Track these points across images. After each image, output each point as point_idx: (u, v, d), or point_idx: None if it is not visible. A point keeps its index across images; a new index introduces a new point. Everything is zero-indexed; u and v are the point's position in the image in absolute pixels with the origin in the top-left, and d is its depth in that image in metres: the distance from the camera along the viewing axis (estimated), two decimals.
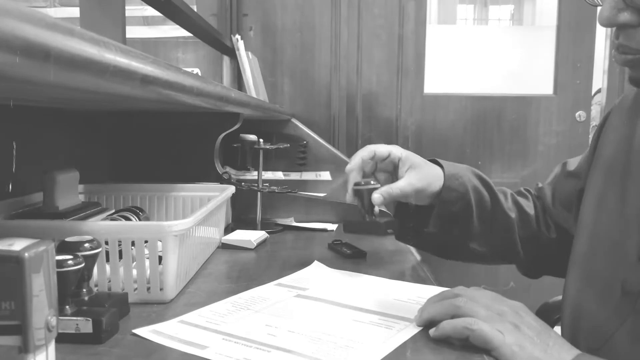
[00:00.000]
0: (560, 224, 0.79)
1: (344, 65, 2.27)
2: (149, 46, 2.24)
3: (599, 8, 0.53)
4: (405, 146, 2.35)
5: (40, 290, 0.39)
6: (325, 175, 1.97)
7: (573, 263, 0.69)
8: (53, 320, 0.40)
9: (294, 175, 1.98)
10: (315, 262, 0.77)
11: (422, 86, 2.27)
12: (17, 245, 0.38)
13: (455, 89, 2.31)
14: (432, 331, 0.51)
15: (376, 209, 0.67)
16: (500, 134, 2.26)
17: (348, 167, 0.70)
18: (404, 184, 0.68)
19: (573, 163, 0.79)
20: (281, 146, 0.98)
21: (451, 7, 2.84)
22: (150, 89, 0.47)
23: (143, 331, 0.53)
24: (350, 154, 2.42)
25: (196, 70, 0.77)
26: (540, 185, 0.83)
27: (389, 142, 2.36)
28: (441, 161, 0.75)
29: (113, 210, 0.78)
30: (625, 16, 0.50)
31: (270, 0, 2.26)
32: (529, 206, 0.79)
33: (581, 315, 0.63)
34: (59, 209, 0.70)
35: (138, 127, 1.04)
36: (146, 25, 2.27)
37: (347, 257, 0.83)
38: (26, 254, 0.37)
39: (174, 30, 1.85)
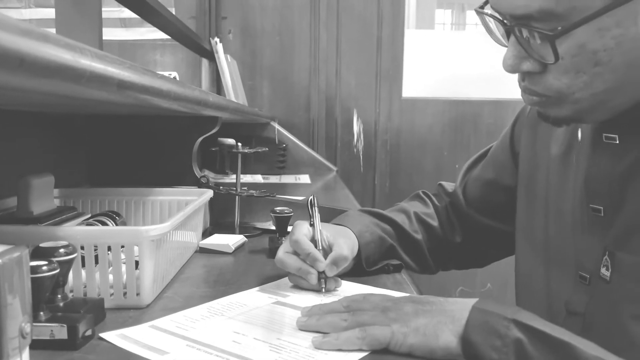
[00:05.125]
0: (472, 225, 0.83)
1: (323, 69, 2.28)
2: (126, 49, 2.22)
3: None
4: (384, 149, 2.38)
5: (14, 298, 0.38)
6: (305, 179, 1.97)
7: (518, 282, 0.72)
8: (27, 327, 0.39)
9: (273, 179, 1.98)
10: None
11: (400, 90, 2.29)
12: None
13: (434, 93, 2.33)
14: (317, 342, 0.51)
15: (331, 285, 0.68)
16: (477, 137, 2.30)
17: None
18: (345, 251, 0.68)
19: (488, 169, 0.82)
20: (259, 150, 0.99)
21: (429, 11, 2.88)
22: (127, 94, 0.47)
23: (110, 335, 0.53)
24: (329, 157, 2.43)
25: (174, 74, 0.77)
26: (446, 187, 0.87)
27: (368, 145, 2.37)
28: (342, 222, 0.77)
29: (89, 215, 0.77)
30: (528, 65, 0.53)
31: (249, 4, 2.26)
32: (431, 216, 0.83)
33: None
34: (33, 213, 0.69)
35: (115, 130, 1.04)
36: (123, 27, 2.25)
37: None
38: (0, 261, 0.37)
39: (152, 33, 1.84)
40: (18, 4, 2.26)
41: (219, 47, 1.84)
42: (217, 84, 2.20)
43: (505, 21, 0.53)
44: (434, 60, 2.35)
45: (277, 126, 2.16)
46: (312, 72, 2.28)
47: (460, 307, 0.51)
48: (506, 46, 0.55)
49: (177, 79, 0.80)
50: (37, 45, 0.31)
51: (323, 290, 0.66)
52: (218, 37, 1.89)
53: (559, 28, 0.48)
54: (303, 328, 0.55)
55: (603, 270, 0.57)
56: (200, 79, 2.26)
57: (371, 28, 2.27)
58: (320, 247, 0.68)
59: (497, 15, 0.54)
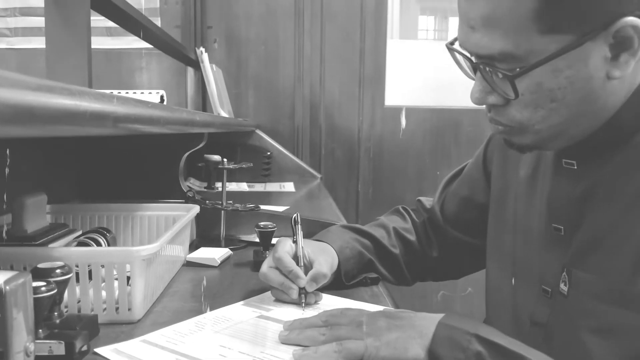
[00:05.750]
0: (448, 240, 0.87)
1: (308, 77, 2.32)
2: (113, 57, 2.24)
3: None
4: (367, 156, 2.42)
5: (19, 318, 0.42)
6: (289, 187, 2.01)
7: (488, 293, 0.78)
8: (31, 346, 0.43)
9: (258, 187, 2.01)
10: None
11: (382, 98, 2.34)
12: None
13: (415, 101, 2.39)
14: (297, 355, 0.55)
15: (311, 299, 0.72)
16: (457, 144, 2.36)
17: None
18: (324, 269, 0.72)
19: (463, 186, 0.87)
20: (244, 165, 1.03)
21: (413, 22, 2.94)
22: (121, 127, 0.51)
23: (105, 350, 0.57)
24: (314, 165, 2.46)
25: (161, 92, 0.80)
26: (425, 202, 0.92)
27: (351, 152, 2.41)
28: (322, 237, 0.81)
29: (80, 232, 0.81)
30: (493, 98, 0.58)
31: (234, 13, 2.30)
32: (409, 231, 0.88)
33: None
34: (27, 232, 0.72)
35: (103, 146, 1.07)
36: (109, 36, 2.27)
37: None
38: (7, 287, 0.40)
39: (138, 42, 1.86)
40: (3, 12, 2.27)
41: (205, 57, 1.86)
42: (203, 92, 2.23)
43: (472, 58, 0.58)
44: (416, 69, 2.41)
45: (262, 134, 2.20)
46: (296, 80, 2.32)
47: (428, 323, 0.55)
48: (474, 79, 0.60)
49: (165, 97, 0.83)
50: (46, 97, 0.35)
51: (303, 304, 0.70)
52: (203, 47, 1.92)
53: (518, 69, 0.53)
54: (284, 342, 0.59)
55: (562, 285, 0.61)
56: (185, 88, 2.29)
57: (354, 38, 2.32)
58: (302, 264, 0.72)
59: (465, 52, 0.59)
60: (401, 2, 3.38)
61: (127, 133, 0.59)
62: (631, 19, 0.51)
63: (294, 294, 0.70)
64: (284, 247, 0.73)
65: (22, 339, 0.42)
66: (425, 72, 2.43)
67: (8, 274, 0.42)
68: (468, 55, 0.58)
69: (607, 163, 0.59)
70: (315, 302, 0.72)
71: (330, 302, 0.73)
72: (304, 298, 0.70)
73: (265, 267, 0.73)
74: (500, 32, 0.53)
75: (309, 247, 0.75)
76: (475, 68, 0.58)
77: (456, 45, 0.60)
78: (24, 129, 0.34)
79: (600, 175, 0.59)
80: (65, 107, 0.39)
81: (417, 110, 2.35)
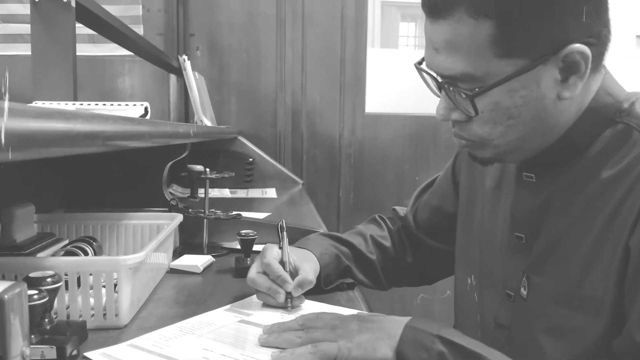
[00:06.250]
0: (421, 246, 0.92)
1: (289, 84, 2.36)
2: (96, 64, 2.25)
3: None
4: (348, 162, 2.46)
5: (17, 325, 0.45)
6: (271, 193, 2.04)
7: (456, 297, 0.83)
8: (27, 350, 0.46)
9: (241, 193, 2.04)
10: None
11: (363, 106, 2.39)
12: None
13: (395, 108, 2.44)
14: (275, 357, 0.59)
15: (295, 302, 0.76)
16: (436, 150, 2.42)
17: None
18: (310, 275, 0.77)
19: (434, 196, 0.92)
20: (226, 175, 1.06)
21: (394, 26, 3.01)
22: (110, 145, 0.54)
23: (94, 354, 0.60)
24: (295, 171, 2.49)
25: (145, 104, 0.82)
26: (399, 211, 0.96)
27: (333, 158, 2.45)
28: (303, 244, 0.85)
29: (67, 241, 0.84)
30: (456, 115, 0.63)
31: (216, 21, 2.33)
32: (385, 238, 0.92)
33: None
34: (16, 241, 0.75)
35: (87, 155, 1.09)
36: (92, 43, 2.28)
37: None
38: (6, 296, 0.43)
39: (120, 49, 1.88)
40: None
41: (187, 65, 1.89)
42: (185, 99, 2.25)
43: (437, 78, 0.63)
44: (397, 77, 2.46)
45: (244, 140, 2.23)
46: (278, 87, 2.36)
47: (396, 325, 0.59)
48: (439, 97, 0.65)
49: (149, 109, 0.86)
50: (49, 123, 0.39)
51: (289, 307, 0.74)
52: (186, 54, 1.95)
53: (477, 89, 0.58)
54: (264, 344, 0.62)
55: (522, 289, 0.66)
56: (168, 94, 2.31)
57: (335, 46, 2.37)
58: (288, 270, 0.76)
59: (431, 72, 0.63)
60: (382, 9, 3.44)
61: (115, 149, 0.62)
62: (578, 46, 0.56)
63: (281, 298, 0.74)
64: (272, 253, 0.77)
65: (18, 344, 0.45)
66: (405, 79, 2.48)
67: (6, 284, 0.45)
68: (434, 75, 0.63)
69: (562, 176, 0.64)
70: (299, 305, 0.76)
71: (311, 307, 0.77)
72: (290, 302, 0.74)
73: (253, 272, 0.77)
74: (461, 55, 0.58)
75: (293, 254, 0.79)
76: (440, 87, 0.63)
77: (423, 65, 0.65)
78: (25, 154, 0.37)
79: (556, 187, 0.64)
80: (62, 129, 0.42)
81: (396, 117, 2.41)
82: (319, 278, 0.81)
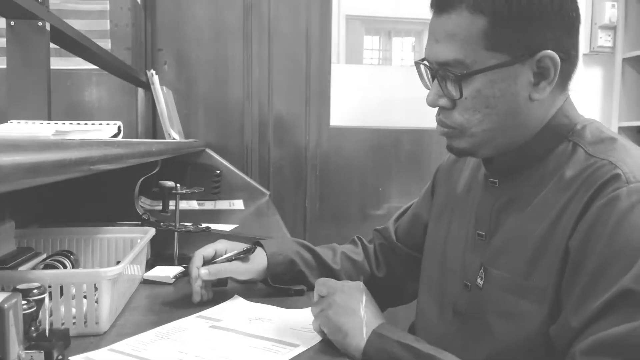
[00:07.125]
0: (397, 257, 1.00)
1: (256, 97, 2.42)
2: (62, 78, 2.26)
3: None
4: (313, 173, 2.53)
5: (13, 332, 0.51)
6: (239, 204, 2.10)
7: (421, 286, 0.91)
8: (23, 354, 0.52)
9: (209, 205, 2.09)
10: (235, 296, 0.91)
11: (328, 119, 2.47)
12: None
13: (359, 121, 2.54)
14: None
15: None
16: (397, 162, 2.51)
17: (193, 280, 0.88)
18: (227, 265, 0.89)
19: (416, 206, 1.01)
20: (196, 190, 1.12)
21: (358, 39, 3.11)
22: (94, 169, 0.61)
23: (78, 358, 0.66)
24: (262, 182, 2.54)
25: (118, 123, 0.87)
26: (380, 228, 1.05)
27: (299, 169, 2.51)
28: (263, 242, 0.95)
29: (45, 255, 0.88)
30: (443, 101, 0.73)
31: (184, 36, 2.38)
32: (357, 254, 1.01)
33: (427, 330, 0.84)
34: None
35: None
36: (58, 56, 2.30)
37: (267, 285, 0.96)
38: (6, 305, 0.49)
39: (87, 62, 1.92)
40: None
41: (155, 79, 1.92)
42: (153, 112, 2.29)
43: (432, 67, 0.72)
44: (360, 91, 2.56)
45: (211, 153, 2.28)
46: (245, 100, 2.42)
47: (367, 330, 0.71)
48: (429, 89, 0.74)
49: (122, 127, 0.91)
50: (49, 154, 0.45)
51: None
52: (154, 69, 1.99)
53: (464, 72, 0.68)
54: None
55: (479, 280, 0.75)
56: (136, 108, 2.34)
57: (300, 61, 2.44)
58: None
59: (427, 63, 0.73)
60: (347, 23, 3.54)
61: (96, 172, 0.69)
62: (550, 52, 0.67)
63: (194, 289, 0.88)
64: (204, 249, 0.91)
65: (15, 349, 0.51)
66: (368, 94, 2.59)
67: (4, 295, 0.51)
68: (429, 65, 0.73)
69: (520, 182, 0.74)
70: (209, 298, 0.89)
71: (268, 314, 0.84)
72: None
73: (193, 267, 0.89)
74: (457, 44, 0.68)
75: (235, 249, 0.91)
76: (434, 75, 0.73)
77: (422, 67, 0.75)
78: (25, 183, 0.44)
79: (515, 191, 0.74)
80: (58, 157, 0.48)
81: (360, 130, 2.50)
82: (268, 274, 0.92)
